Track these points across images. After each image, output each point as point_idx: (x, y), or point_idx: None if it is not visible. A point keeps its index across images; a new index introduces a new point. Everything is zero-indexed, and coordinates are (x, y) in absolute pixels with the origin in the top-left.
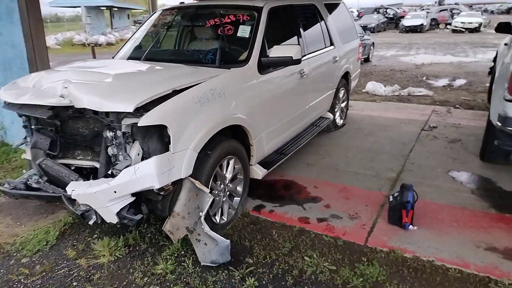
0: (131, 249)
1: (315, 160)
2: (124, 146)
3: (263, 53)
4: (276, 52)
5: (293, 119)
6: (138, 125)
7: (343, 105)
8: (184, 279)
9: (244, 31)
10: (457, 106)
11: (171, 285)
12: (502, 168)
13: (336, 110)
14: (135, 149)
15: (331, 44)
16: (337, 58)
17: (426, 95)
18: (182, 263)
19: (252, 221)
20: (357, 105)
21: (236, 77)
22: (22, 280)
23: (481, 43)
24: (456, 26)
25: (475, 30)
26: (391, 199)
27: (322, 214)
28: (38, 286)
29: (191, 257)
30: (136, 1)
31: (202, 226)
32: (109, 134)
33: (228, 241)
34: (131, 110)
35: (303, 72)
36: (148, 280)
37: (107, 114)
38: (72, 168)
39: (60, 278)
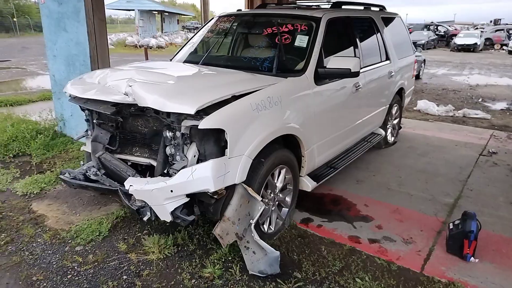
0: (179, 248)
1: (364, 176)
2: (182, 147)
3: (320, 63)
4: (334, 63)
5: (345, 133)
6: (198, 127)
7: (395, 122)
8: (231, 286)
9: (301, 40)
10: None
11: None
12: None
13: (388, 126)
14: (191, 151)
15: (387, 58)
16: (392, 73)
17: (483, 118)
18: (230, 269)
19: (300, 234)
20: (408, 123)
21: (293, 86)
22: (75, 267)
23: None
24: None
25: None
26: (451, 227)
27: (374, 235)
28: (90, 275)
29: (238, 264)
30: (186, 7)
31: (252, 234)
32: (168, 134)
33: (278, 252)
34: (192, 112)
35: (358, 86)
36: (196, 283)
37: (168, 114)
38: (129, 163)
39: (111, 270)
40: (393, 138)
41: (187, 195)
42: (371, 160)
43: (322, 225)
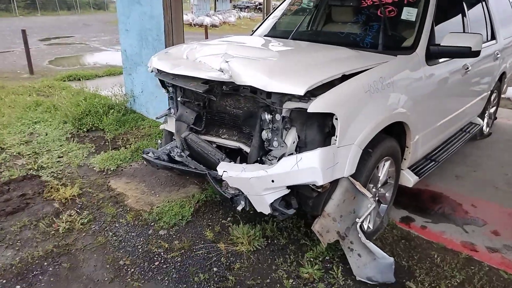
0: (269, 241)
1: (464, 172)
2: (281, 132)
3: (431, 40)
4: (450, 40)
5: (449, 121)
6: (308, 111)
7: (492, 110)
8: None
9: (409, 13)
10: None
11: None
12: None
13: (485, 115)
14: (291, 137)
15: (493, 36)
16: (498, 55)
17: None
18: (330, 271)
19: (402, 235)
20: (500, 113)
21: (404, 65)
22: (162, 253)
23: None
24: None
25: None
26: None
27: (492, 243)
28: (178, 264)
29: (339, 266)
30: None
31: (359, 235)
32: (267, 116)
33: (392, 259)
34: (302, 93)
35: (467, 68)
36: (295, 284)
37: (268, 94)
38: (214, 146)
39: (199, 260)
40: (487, 129)
41: (288, 187)
42: (466, 153)
43: (427, 226)
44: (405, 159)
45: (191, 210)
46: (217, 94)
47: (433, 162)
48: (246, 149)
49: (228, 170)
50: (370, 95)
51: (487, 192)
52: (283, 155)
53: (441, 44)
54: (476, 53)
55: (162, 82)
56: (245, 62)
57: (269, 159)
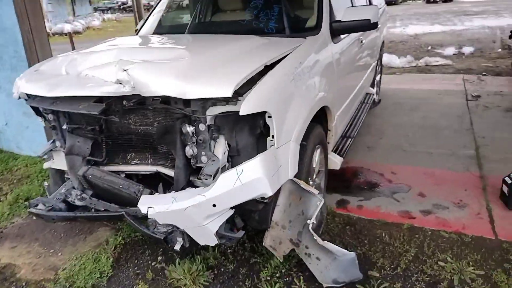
0: (216, 272)
1: (372, 141)
2: (208, 143)
3: (331, 17)
4: (349, 15)
5: (355, 95)
6: (241, 113)
7: (377, 78)
8: None
9: None
10: (484, 73)
11: None
12: None
13: (374, 84)
14: (221, 147)
15: (370, 4)
16: (378, 25)
17: (445, 64)
18: (292, 285)
19: (345, 221)
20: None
21: (315, 47)
22: None
23: (461, 12)
24: None
25: (448, 0)
26: (509, 181)
27: (423, 206)
28: None
29: (300, 276)
30: None
31: (314, 237)
32: (188, 129)
33: (353, 253)
34: (230, 94)
35: (362, 41)
36: None
37: (186, 102)
38: (123, 176)
39: None
40: (377, 97)
41: (232, 207)
42: (366, 122)
43: (363, 205)
44: (329, 143)
45: (110, 261)
46: (117, 113)
47: (350, 139)
48: (167, 171)
49: (154, 205)
50: (295, 84)
51: (399, 156)
52: (217, 171)
53: (342, 20)
54: (375, 25)
55: (35, 109)
56: (149, 68)
57: (202, 179)
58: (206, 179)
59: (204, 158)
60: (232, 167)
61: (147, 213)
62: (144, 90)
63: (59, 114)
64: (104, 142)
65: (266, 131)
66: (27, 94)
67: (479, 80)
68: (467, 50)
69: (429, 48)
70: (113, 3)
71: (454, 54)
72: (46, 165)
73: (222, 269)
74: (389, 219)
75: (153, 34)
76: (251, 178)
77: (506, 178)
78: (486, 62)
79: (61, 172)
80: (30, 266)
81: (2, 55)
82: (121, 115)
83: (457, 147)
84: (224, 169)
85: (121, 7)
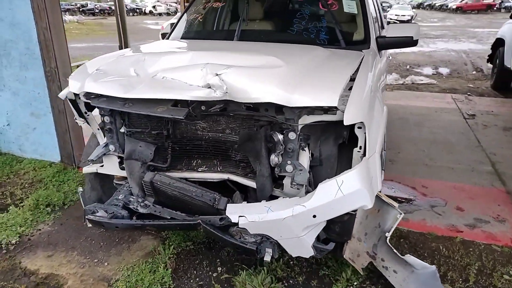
0: (286, 284)
1: (392, 155)
2: (297, 153)
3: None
4: (393, 31)
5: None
6: (345, 123)
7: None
8: None
9: (350, 6)
10: (468, 93)
11: None
12: None
13: None
14: (305, 156)
15: (382, 25)
16: None
17: (430, 83)
18: None
19: (397, 234)
20: None
21: (374, 60)
22: None
23: (422, 35)
24: (391, 18)
25: (407, 22)
26: None
27: (465, 219)
28: None
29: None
30: None
31: (394, 251)
32: (279, 137)
33: (434, 267)
34: (336, 104)
35: (389, 57)
36: None
37: (279, 110)
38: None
39: None
40: None
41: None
42: None
43: (408, 218)
44: None
45: (169, 272)
46: (195, 118)
47: (383, 151)
48: (239, 179)
49: (246, 214)
50: (373, 96)
51: (423, 171)
52: (322, 183)
53: (386, 36)
54: (416, 42)
55: (79, 109)
56: (247, 74)
57: (296, 189)
58: (298, 189)
59: (289, 167)
60: (313, 177)
61: (238, 222)
62: (241, 96)
63: (116, 117)
64: (170, 148)
65: (348, 142)
66: (91, 94)
67: (467, 100)
68: (444, 71)
69: (408, 67)
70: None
71: (433, 73)
72: (87, 169)
73: (291, 281)
74: (439, 233)
75: (189, 39)
76: (352, 190)
77: None
78: (466, 83)
79: (101, 178)
80: (76, 276)
81: (10, 51)
82: (190, 120)
83: (474, 163)
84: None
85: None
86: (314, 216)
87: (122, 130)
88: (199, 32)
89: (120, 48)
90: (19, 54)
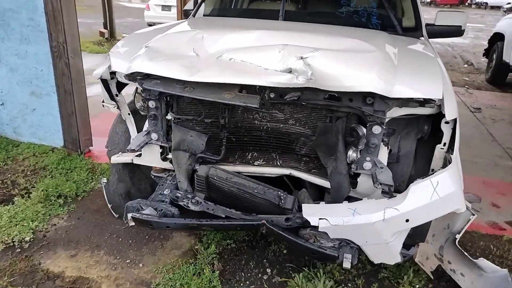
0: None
1: None
2: (378, 148)
3: None
4: (443, 19)
5: None
6: (447, 118)
7: None
8: None
9: None
10: (466, 86)
11: None
12: None
13: None
14: (385, 152)
15: None
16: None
17: None
18: None
19: None
20: None
21: (431, 48)
22: None
23: None
24: None
25: None
26: None
27: (504, 216)
28: None
29: None
30: None
31: (464, 254)
32: (363, 130)
33: (505, 270)
34: (440, 96)
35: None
36: None
37: (365, 102)
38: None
39: None
40: None
41: None
42: None
43: None
44: None
45: (216, 275)
46: (267, 107)
47: None
48: (302, 175)
49: (327, 217)
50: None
51: None
52: (414, 182)
53: (435, 24)
54: (462, 32)
55: (110, 91)
56: (336, 58)
57: (382, 189)
58: (383, 190)
59: (367, 165)
60: None
61: (318, 226)
62: (330, 84)
63: (161, 102)
64: (225, 139)
65: (429, 137)
66: (144, 75)
67: (468, 93)
68: None
69: None
70: None
71: None
72: (116, 159)
73: (350, 285)
74: (484, 231)
75: (223, 16)
76: (448, 192)
77: None
78: (461, 76)
79: (130, 169)
80: (109, 280)
81: (10, 21)
82: (246, 110)
83: (495, 157)
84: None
85: None
86: (407, 221)
87: (169, 117)
88: (233, 10)
89: (105, 26)
90: (20, 26)
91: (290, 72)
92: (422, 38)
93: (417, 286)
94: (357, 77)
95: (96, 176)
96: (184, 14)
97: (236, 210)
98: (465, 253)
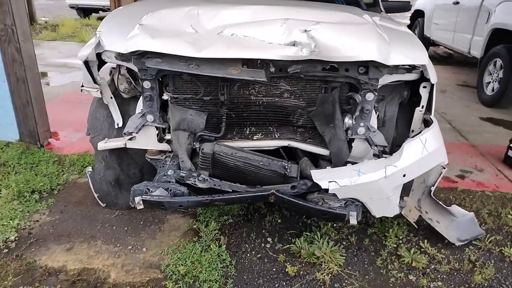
0: (341, 245)
1: None
2: (371, 114)
3: None
4: None
5: None
6: (432, 81)
7: None
8: (454, 264)
9: None
10: None
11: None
12: None
13: None
14: (374, 117)
15: None
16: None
17: None
18: (421, 247)
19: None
20: None
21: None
22: None
23: None
24: None
25: None
26: None
27: (454, 172)
28: None
29: (423, 240)
30: None
31: (440, 203)
32: (359, 97)
33: (471, 214)
34: (426, 62)
35: None
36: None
37: (362, 69)
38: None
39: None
40: None
41: None
42: None
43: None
44: None
45: (224, 249)
46: (273, 79)
47: None
48: (299, 145)
49: (336, 179)
50: None
51: None
52: (406, 141)
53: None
54: (411, 7)
55: (92, 74)
56: (337, 30)
57: (377, 150)
58: (379, 150)
59: (361, 130)
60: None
61: (328, 188)
62: (334, 55)
63: (156, 82)
64: (225, 115)
65: (408, 101)
66: (146, 53)
67: None
68: None
69: None
70: None
71: None
72: (104, 145)
73: (345, 243)
74: (440, 185)
75: None
76: (435, 147)
77: None
78: None
79: (118, 154)
80: (117, 267)
81: None
82: (243, 85)
83: None
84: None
85: None
86: (404, 175)
87: (165, 97)
88: None
89: None
90: None
91: (294, 45)
92: (383, 12)
93: (401, 236)
94: (359, 47)
95: (66, 168)
96: None
97: (242, 184)
98: (439, 202)
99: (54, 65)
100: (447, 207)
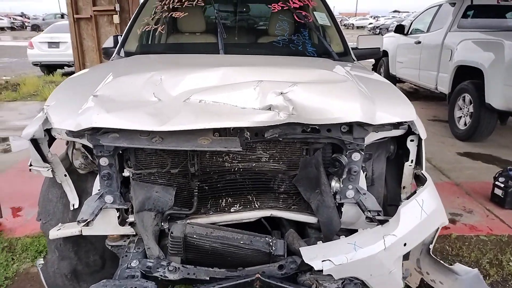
0: None
1: None
2: (358, 175)
3: None
4: (364, 43)
5: None
6: (422, 137)
7: None
8: None
9: (322, 18)
10: None
11: None
12: None
13: None
14: (363, 178)
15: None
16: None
17: None
18: None
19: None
20: None
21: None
22: None
23: None
24: None
25: None
26: (502, 185)
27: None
28: None
29: None
30: None
31: (441, 262)
32: (345, 159)
33: (475, 270)
34: (414, 118)
35: None
36: None
37: (346, 129)
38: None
39: None
40: None
41: None
42: None
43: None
44: None
45: None
46: (250, 147)
47: None
48: (283, 214)
49: (329, 257)
50: None
51: None
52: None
53: (358, 47)
54: (381, 53)
55: (40, 151)
56: (316, 90)
57: (371, 216)
58: (373, 216)
59: (350, 193)
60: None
61: (322, 269)
62: (315, 117)
63: (114, 160)
64: (196, 188)
65: (395, 156)
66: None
67: None
68: None
69: None
70: None
71: None
72: (54, 234)
73: None
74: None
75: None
76: (433, 208)
77: (498, 183)
78: None
79: (74, 241)
80: None
81: None
82: (213, 153)
83: None
84: None
85: None
86: (405, 245)
87: (126, 173)
88: (162, 46)
89: None
90: None
91: (270, 109)
92: (356, 61)
93: None
94: (342, 109)
95: (17, 256)
96: (104, 53)
97: (219, 267)
98: (440, 261)
99: (14, 129)
100: (449, 266)
